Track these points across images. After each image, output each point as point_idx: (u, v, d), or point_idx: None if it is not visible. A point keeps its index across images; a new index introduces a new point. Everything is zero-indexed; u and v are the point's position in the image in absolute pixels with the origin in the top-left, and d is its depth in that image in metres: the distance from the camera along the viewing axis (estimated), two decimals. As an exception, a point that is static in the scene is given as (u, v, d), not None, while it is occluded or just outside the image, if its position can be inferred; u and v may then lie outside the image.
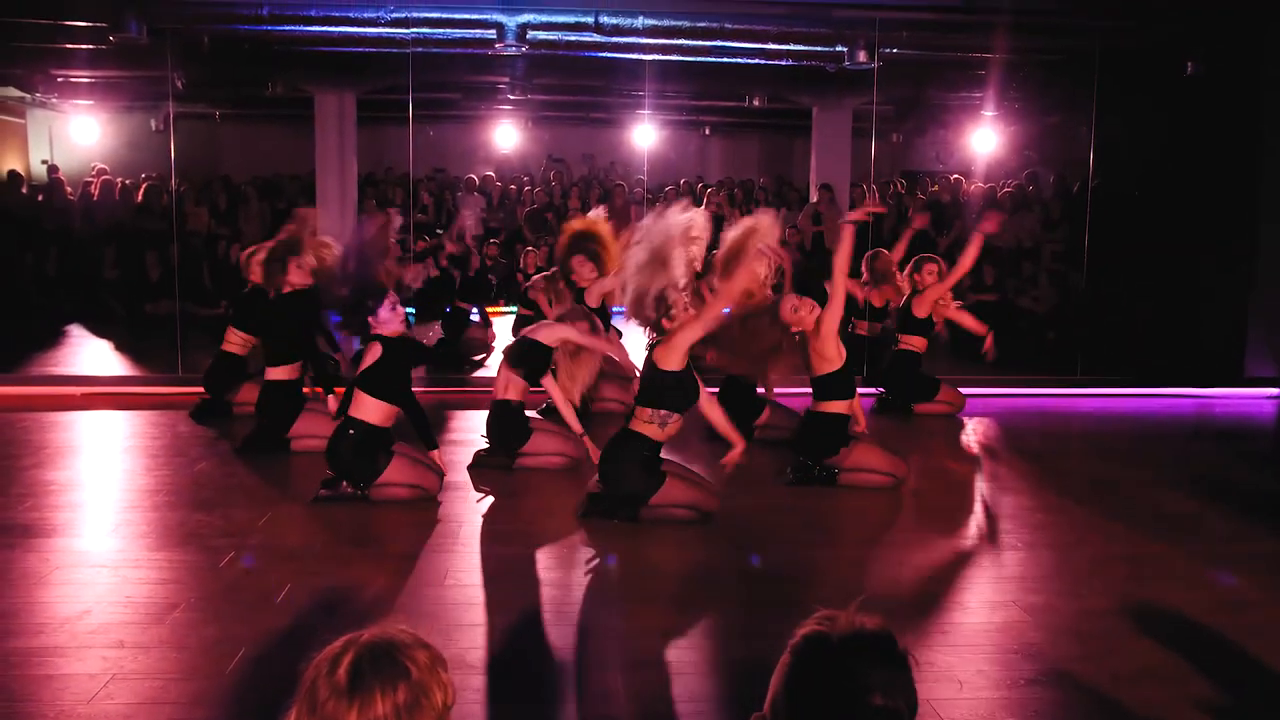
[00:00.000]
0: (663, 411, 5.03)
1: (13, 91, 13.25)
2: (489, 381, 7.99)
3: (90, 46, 9.99)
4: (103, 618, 3.93)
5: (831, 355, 5.72)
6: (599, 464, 5.24)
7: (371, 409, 5.35)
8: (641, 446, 5.07)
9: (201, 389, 7.49)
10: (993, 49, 9.73)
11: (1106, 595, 4.36)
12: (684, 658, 3.72)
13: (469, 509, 5.46)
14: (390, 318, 5.40)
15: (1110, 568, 4.71)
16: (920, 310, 7.53)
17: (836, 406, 5.80)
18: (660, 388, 5.02)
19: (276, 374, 6.50)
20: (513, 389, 6.06)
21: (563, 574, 4.57)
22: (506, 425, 6.08)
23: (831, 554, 4.93)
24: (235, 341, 7.35)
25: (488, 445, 6.23)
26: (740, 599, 4.31)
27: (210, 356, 7.56)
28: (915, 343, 7.59)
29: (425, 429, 5.52)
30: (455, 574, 4.50)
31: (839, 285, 5.68)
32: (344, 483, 5.42)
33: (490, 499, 5.62)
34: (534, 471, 6.06)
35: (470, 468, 6.11)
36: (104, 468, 6.28)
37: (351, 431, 5.34)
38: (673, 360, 5.00)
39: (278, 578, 4.35)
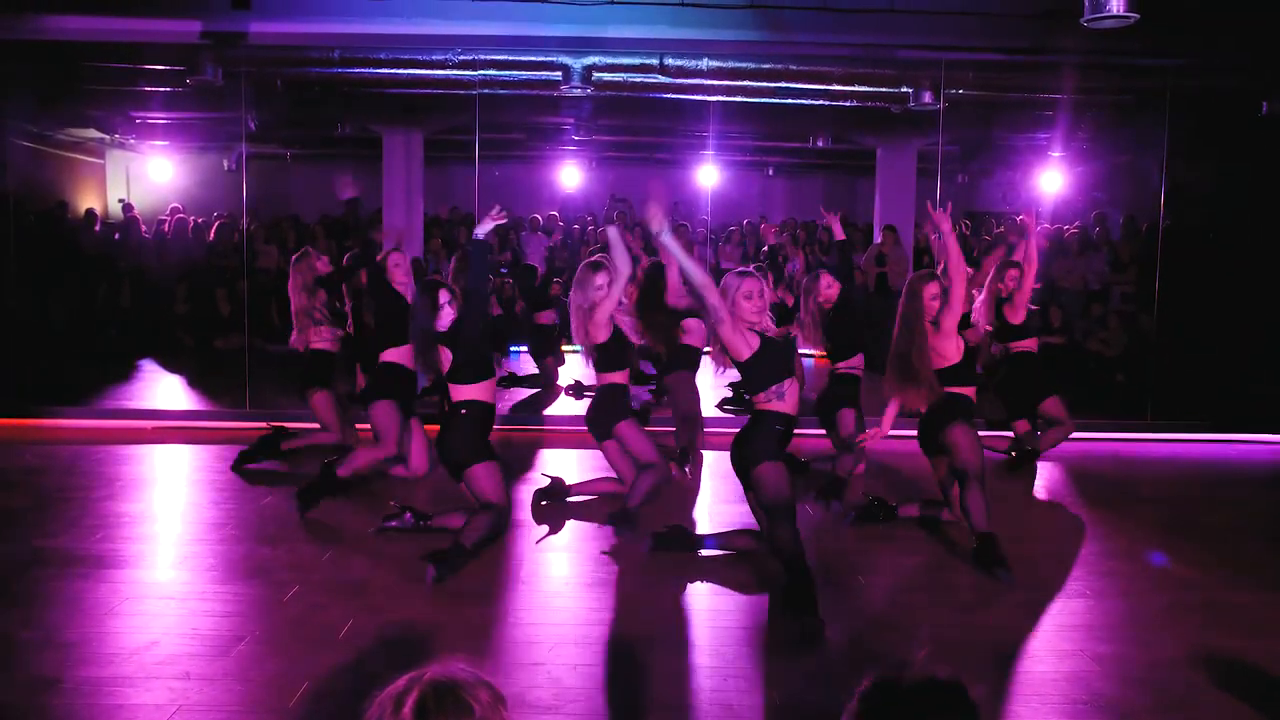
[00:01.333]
0: (771, 387, 4.84)
1: (92, 133, 13.69)
2: (556, 420, 8.07)
3: (167, 89, 10.29)
4: (170, 649, 3.98)
5: (950, 353, 5.51)
6: (732, 449, 4.98)
7: (471, 390, 5.36)
8: (774, 422, 4.86)
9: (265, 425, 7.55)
10: (1061, 89, 9.63)
11: (1179, 645, 4.24)
12: (746, 701, 3.68)
13: (530, 548, 5.46)
14: (446, 310, 5.46)
15: (1183, 617, 4.59)
16: (1015, 317, 7.35)
17: (961, 389, 5.56)
18: (751, 374, 4.86)
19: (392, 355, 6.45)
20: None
21: (624, 615, 4.54)
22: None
23: (896, 599, 4.85)
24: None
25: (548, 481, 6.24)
26: (808, 643, 4.26)
27: (279, 390, 7.61)
28: (1028, 344, 7.41)
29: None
30: (516, 613, 4.50)
31: (957, 282, 5.45)
32: (407, 514, 5.48)
33: (552, 538, 5.63)
34: (591, 503, 6.07)
35: (533, 505, 6.12)
36: (173, 501, 6.39)
37: (464, 411, 5.34)
38: (739, 354, 4.84)
39: (341, 613, 4.38)
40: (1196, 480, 7.48)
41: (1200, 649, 4.18)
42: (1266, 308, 9.83)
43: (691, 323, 7.06)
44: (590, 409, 6.11)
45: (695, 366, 7.29)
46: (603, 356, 6.02)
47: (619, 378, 6.04)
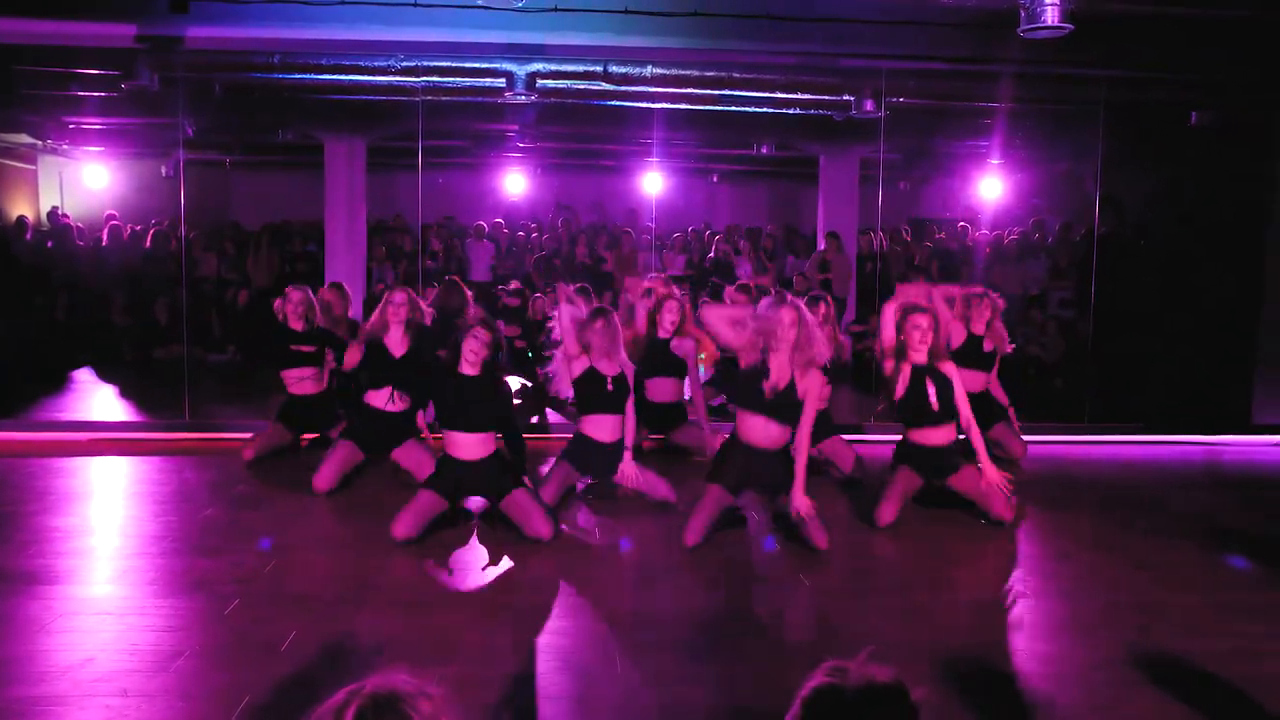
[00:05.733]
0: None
1: (24, 138, 13.39)
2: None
3: (102, 94, 10.11)
4: (106, 666, 3.90)
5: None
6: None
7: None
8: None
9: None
10: (999, 98, 9.79)
11: (1117, 645, 4.30)
12: (691, 707, 3.68)
13: (475, 558, 5.43)
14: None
15: (1121, 616, 4.66)
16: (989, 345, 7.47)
17: None
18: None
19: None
20: None
21: (571, 622, 4.53)
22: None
23: (837, 604, 4.88)
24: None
25: None
26: (748, 648, 4.27)
27: (219, 400, 7.58)
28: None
29: None
30: (461, 623, 4.47)
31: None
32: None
33: (499, 546, 5.59)
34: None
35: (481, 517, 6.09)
36: (110, 514, 6.26)
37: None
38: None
39: (283, 625, 4.32)
40: (1133, 482, 7.61)
41: (1138, 649, 4.25)
42: (1197, 311, 10.04)
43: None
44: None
45: None
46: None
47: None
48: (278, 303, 7.54)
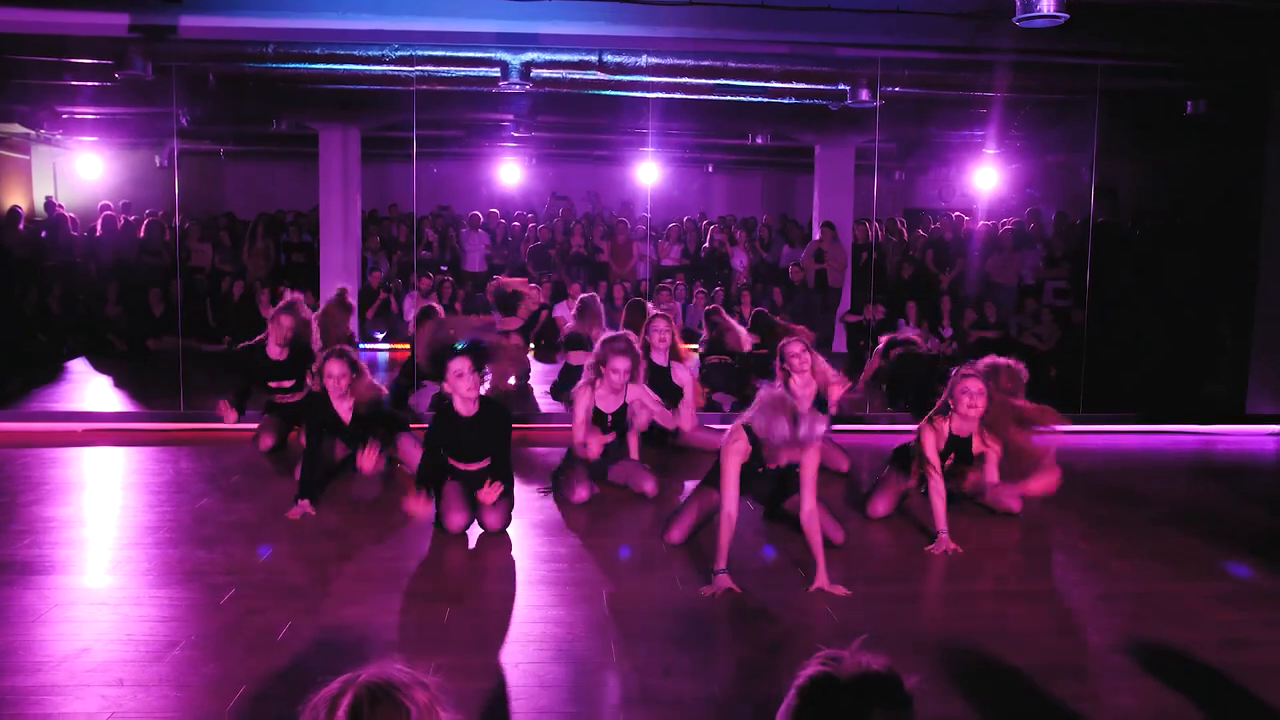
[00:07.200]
0: None
1: (17, 128, 13.34)
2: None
3: (96, 84, 10.08)
4: (102, 655, 3.90)
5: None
6: None
7: None
8: None
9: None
10: (994, 88, 9.78)
11: (1110, 633, 4.32)
12: (686, 696, 3.69)
13: (470, 549, 5.43)
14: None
15: (1113, 606, 4.68)
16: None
17: None
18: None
19: None
20: None
21: (565, 611, 4.53)
22: None
23: (830, 593, 4.88)
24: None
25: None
26: (744, 637, 4.28)
27: (213, 391, 7.61)
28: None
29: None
30: (455, 612, 4.47)
31: None
32: None
33: (493, 537, 5.60)
34: (533, 501, 6.06)
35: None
36: (105, 504, 6.26)
37: None
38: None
39: (279, 615, 4.32)
40: (1127, 471, 7.62)
41: (1130, 637, 4.27)
42: (1191, 300, 10.06)
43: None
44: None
45: None
46: None
47: None
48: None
